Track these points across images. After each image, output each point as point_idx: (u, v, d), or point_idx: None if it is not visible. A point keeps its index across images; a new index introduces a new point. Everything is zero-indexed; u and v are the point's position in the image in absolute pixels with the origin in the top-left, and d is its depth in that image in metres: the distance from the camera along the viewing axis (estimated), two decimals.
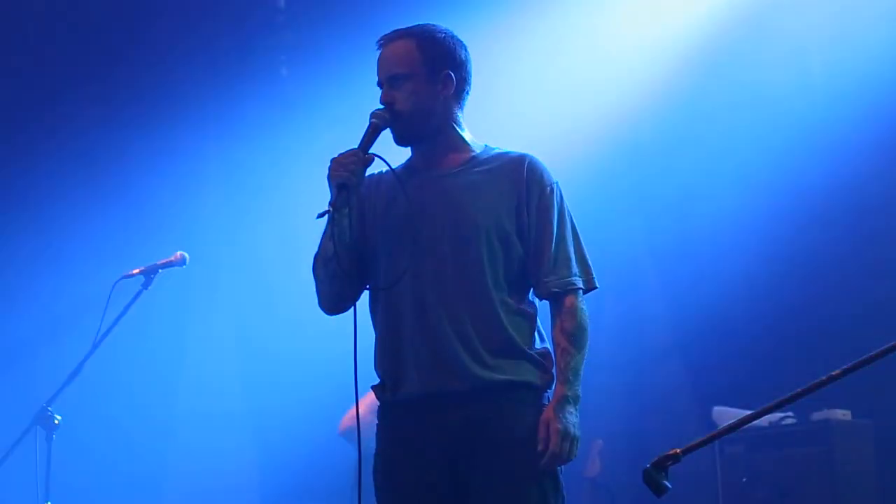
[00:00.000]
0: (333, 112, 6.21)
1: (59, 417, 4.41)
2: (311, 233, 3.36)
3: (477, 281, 3.22)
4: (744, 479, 5.55)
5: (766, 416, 5.17)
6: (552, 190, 3.30)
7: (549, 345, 3.28)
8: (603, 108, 6.22)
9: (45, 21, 6.58)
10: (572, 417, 3.16)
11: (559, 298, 3.25)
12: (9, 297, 6.54)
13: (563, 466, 3.22)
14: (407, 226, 3.27)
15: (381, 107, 3.28)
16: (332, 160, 3.23)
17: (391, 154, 3.33)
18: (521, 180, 3.28)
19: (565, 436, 3.14)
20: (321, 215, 3.20)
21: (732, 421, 2.80)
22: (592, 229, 3.51)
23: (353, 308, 3.30)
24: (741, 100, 6.17)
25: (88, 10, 6.56)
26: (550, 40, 6.28)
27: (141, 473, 6.38)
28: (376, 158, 3.27)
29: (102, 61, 6.62)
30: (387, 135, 3.30)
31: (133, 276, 4.63)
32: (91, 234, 6.52)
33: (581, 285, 3.27)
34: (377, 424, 3.35)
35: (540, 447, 3.14)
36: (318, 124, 6.34)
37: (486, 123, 3.64)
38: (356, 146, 3.24)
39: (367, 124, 3.27)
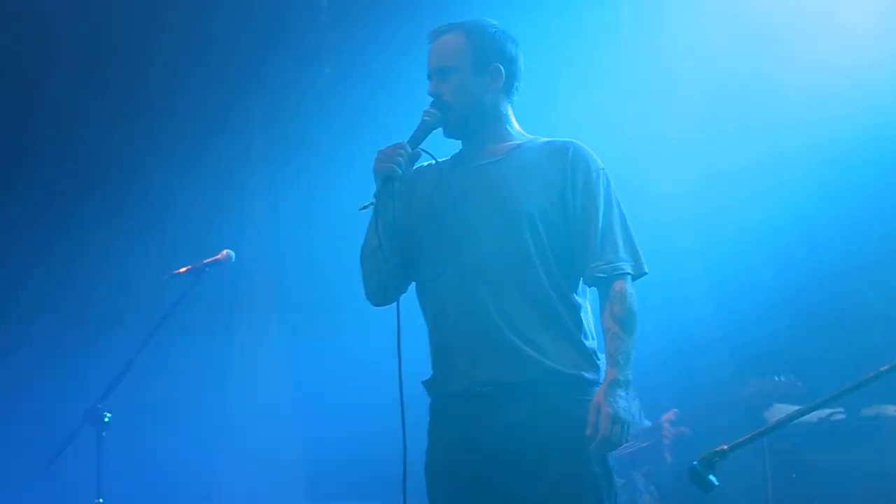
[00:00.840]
0: (377, 109, 6.22)
1: (109, 415, 4.44)
2: (357, 227, 3.37)
3: (523, 267, 3.21)
4: (793, 476, 5.50)
5: (816, 412, 5.13)
6: (598, 175, 3.28)
7: (597, 340, 3.26)
8: (655, 102, 6.19)
9: (104, 23, 6.66)
10: (623, 402, 3.12)
11: (607, 284, 3.23)
12: (58, 296, 6.61)
13: (614, 454, 3.20)
14: (451, 215, 3.28)
15: (433, 105, 3.30)
16: (379, 152, 3.25)
17: (440, 150, 3.34)
18: (566, 166, 3.27)
19: (615, 420, 3.10)
20: (365, 207, 3.21)
21: (781, 417, 2.78)
22: (639, 220, 3.47)
23: (396, 303, 3.30)
24: (797, 95, 6.11)
25: (141, 16, 6.64)
26: (610, 40, 6.27)
27: (191, 469, 6.42)
28: (423, 154, 3.28)
29: (148, 60, 6.68)
30: (436, 131, 3.32)
31: (181, 274, 4.66)
32: (139, 233, 6.58)
33: (629, 270, 3.24)
34: (429, 420, 3.34)
35: (588, 431, 3.11)
36: (362, 121, 6.35)
37: (539, 117, 3.64)
38: (404, 140, 3.26)
39: (418, 121, 3.29)
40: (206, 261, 4.72)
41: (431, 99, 3.33)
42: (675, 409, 5.89)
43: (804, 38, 6.00)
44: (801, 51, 6.02)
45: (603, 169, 3.30)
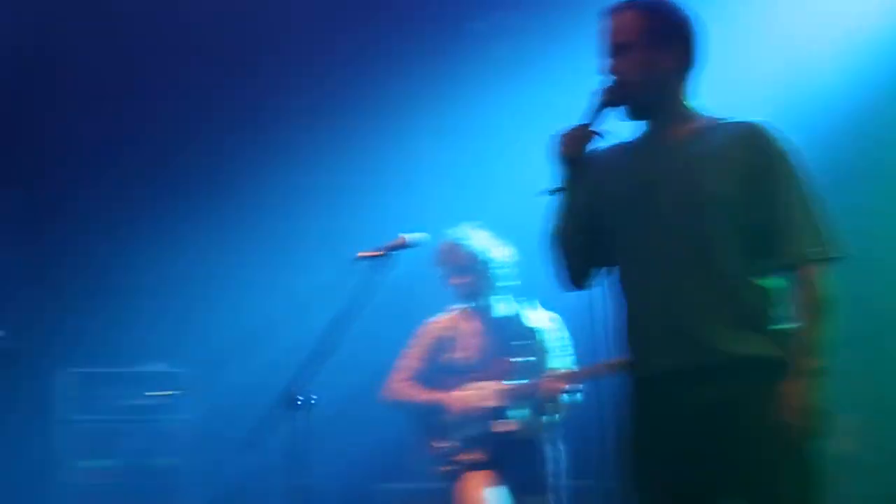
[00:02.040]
0: (552, 90, 6.21)
1: (301, 398, 4.54)
2: (528, 203, 3.39)
3: (712, 252, 3.17)
4: None
5: None
6: (786, 157, 3.21)
7: (788, 325, 3.19)
8: (862, 77, 6.06)
9: (273, 23, 6.85)
10: (814, 391, 3.08)
11: (797, 270, 3.17)
12: (252, 284, 6.83)
13: (816, 443, 3.12)
14: (640, 198, 3.26)
15: (611, 83, 3.27)
16: (562, 135, 3.24)
17: (620, 131, 3.32)
18: (752, 147, 3.21)
19: (807, 410, 3.06)
20: (553, 192, 3.22)
21: None
22: (836, 203, 3.36)
23: (602, 287, 3.34)
24: None
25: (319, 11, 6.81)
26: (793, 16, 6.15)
27: (385, 449, 6.53)
28: (605, 134, 3.27)
29: (325, 54, 6.85)
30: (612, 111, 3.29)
31: (365, 258, 4.75)
32: (324, 221, 6.74)
33: (818, 256, 3.16)
34: (628, 403, 3.32)
35: (780, 421, 3.07)
36: (537, 104, 6.34)
37: (726, 98, 3.58)
38: (583, 121, 3.24)
39: (596, 101, 3.26)
40: (387, 245, 4.81)
41: (604, 77, 3.29)
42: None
43: None
44: None
45: (791, 151, 3.23)
